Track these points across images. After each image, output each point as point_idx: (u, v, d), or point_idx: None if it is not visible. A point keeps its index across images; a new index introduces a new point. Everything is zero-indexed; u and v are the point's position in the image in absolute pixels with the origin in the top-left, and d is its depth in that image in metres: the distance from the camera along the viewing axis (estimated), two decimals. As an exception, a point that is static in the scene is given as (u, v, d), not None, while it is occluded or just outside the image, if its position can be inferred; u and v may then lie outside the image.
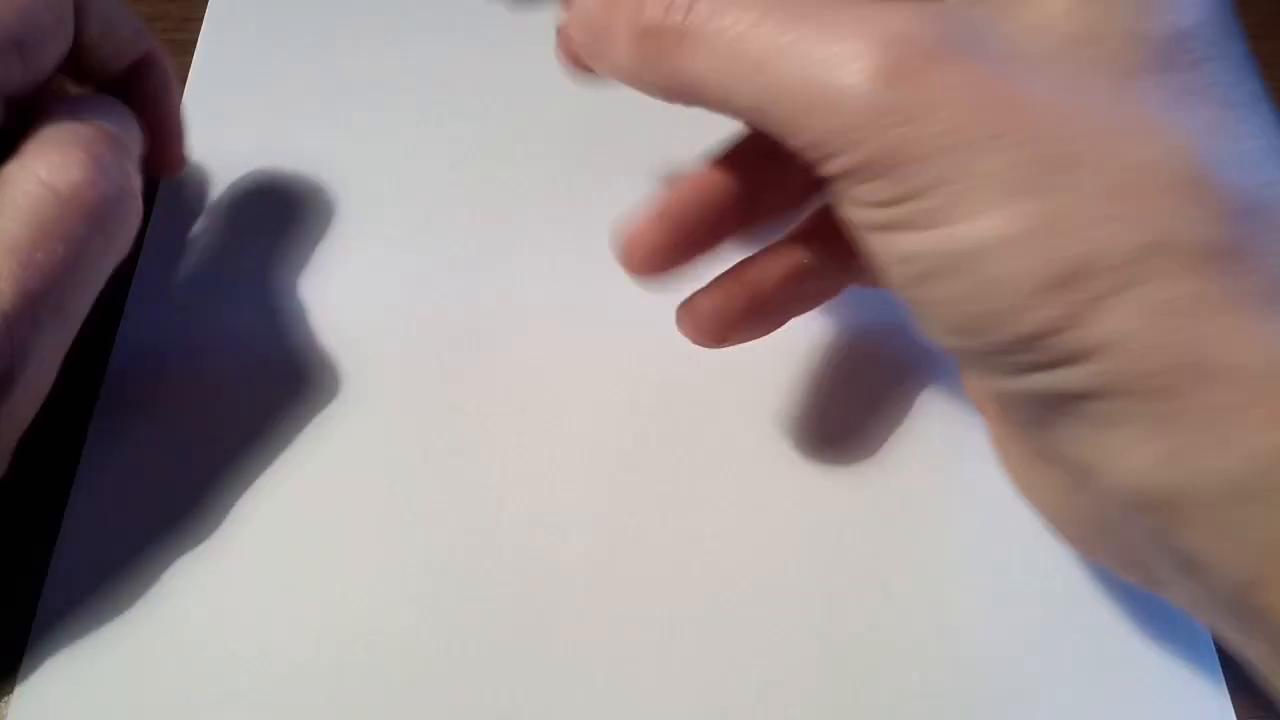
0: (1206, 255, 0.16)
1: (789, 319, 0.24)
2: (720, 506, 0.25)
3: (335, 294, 0.29)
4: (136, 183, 0.23)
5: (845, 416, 0.27)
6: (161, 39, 0.27)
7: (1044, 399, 0.18)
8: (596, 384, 0.27)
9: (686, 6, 0.19)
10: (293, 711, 0.23)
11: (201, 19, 0.34)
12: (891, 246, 0.19)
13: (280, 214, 0.30)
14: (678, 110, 0.21)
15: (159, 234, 0.29)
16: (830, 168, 0.18)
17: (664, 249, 0.23)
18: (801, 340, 0.28)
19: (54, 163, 0.22)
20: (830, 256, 0.23)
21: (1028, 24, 0.18)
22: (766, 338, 0.24)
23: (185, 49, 0.33)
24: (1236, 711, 0.23)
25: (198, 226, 0.30)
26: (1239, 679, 0.23)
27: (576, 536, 0.25)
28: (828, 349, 0.28)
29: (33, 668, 0.23)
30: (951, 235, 0.17)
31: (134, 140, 0.24)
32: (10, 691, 0.23)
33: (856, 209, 0.19)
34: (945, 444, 0.27)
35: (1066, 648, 0.24)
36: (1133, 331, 0.16)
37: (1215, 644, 0.24)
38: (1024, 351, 0.18)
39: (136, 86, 0.26)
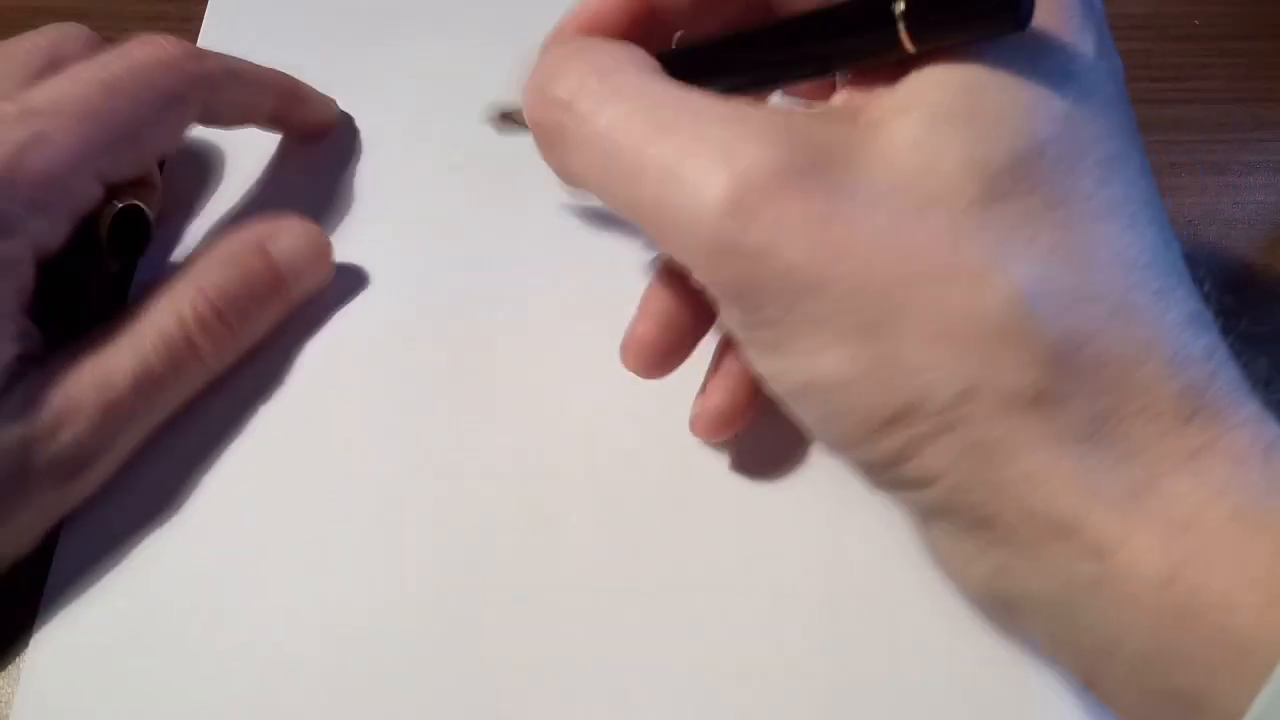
0: (1021, 400, 0.17)
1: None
2: (721, 507, 0.25)
3: (335, 292, 0.29)
4: (253, 336, 0.27)
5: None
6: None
7: (910, 509, 0.20)
8: (597, 383, 0.27)
9: (566, 105, 0.20)
10: (291, 709, 0.23)
11: (201, 19, 0.34)
12: (755, 363, 0.20)
13: (280, 212, 0.30)
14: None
15: (159, 237, 0.30)
16: (693, 281, 0.19)
17: (661, 348, 0.24)
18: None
19: (194, 307, 0.25)
20: None
21: (878, 151, 0.18)
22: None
23: (185, 49, 0.33)
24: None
25: (198, 223, 0.30)
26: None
27: (576, 537, 0.25)
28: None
29: (40, 645, 0.23)
30: (797, 368, 0.18)
31: (266, 303, 0.27)
32: (23, 650, 0.23)
33: (724, 321, 0.20)
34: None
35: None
36: (957, 469, 0.18)
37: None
38: (878, 474, 0.19)
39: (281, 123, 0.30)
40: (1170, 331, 0.17)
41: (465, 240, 0.30)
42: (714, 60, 0.21)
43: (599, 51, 0.20)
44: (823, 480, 0.26)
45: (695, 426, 0.25)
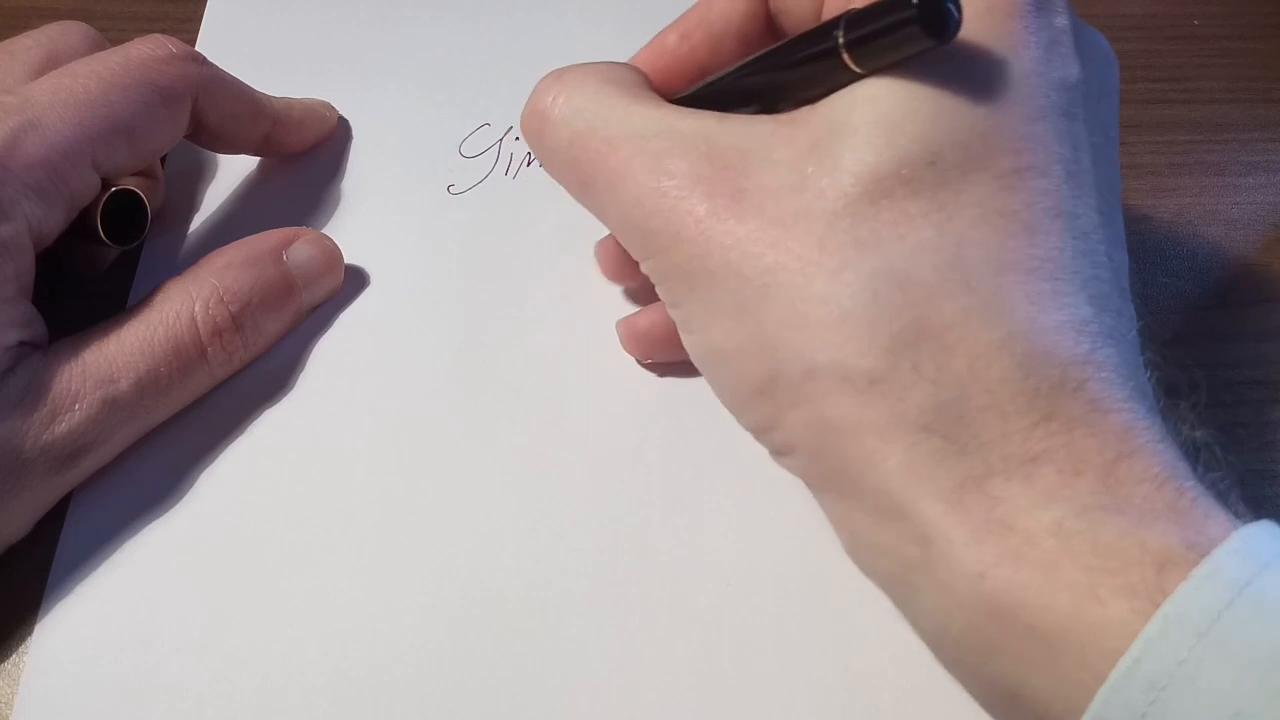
0: (858, 384, 0.18)
1: None
2: (724, 506, 0.25)
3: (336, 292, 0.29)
4: (261, 345, 0.27)
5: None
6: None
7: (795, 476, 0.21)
8: (598, 383, 0.27)
9: (542, 115, 0.22)
10: (293, 708, 0.23)
11: (200, 20, 0.34)
12: (680, 335, 0.22)
13: (279, 212, 0.30)
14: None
15: (162, 230, 0.30)
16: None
17: (621, 257, 0.26)
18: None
19: (209, 310, 0.25)
20: None
21: (783, 153, 0.19)
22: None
23: (185, 49, 0.33)
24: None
25: (197, 223, 0.30)
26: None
27: (578, 537, 0.25)
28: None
29: (41, 645, 0.23)
30: (698, 341, 0.21)
31: (272, 311, 0.27)
32: (24, 650, 0.23)
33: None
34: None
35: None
36: (807, 440, 0.19)
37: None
38: (759, 439, 0.21)
39: (272, 146, 0.30)
40: (1039, 334, 0.18)
41: (464, 240, 0.30)
42: (718, 97, 0.23)
43: (581, 71, 0.23)
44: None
45: (619, 332, 0.27)
